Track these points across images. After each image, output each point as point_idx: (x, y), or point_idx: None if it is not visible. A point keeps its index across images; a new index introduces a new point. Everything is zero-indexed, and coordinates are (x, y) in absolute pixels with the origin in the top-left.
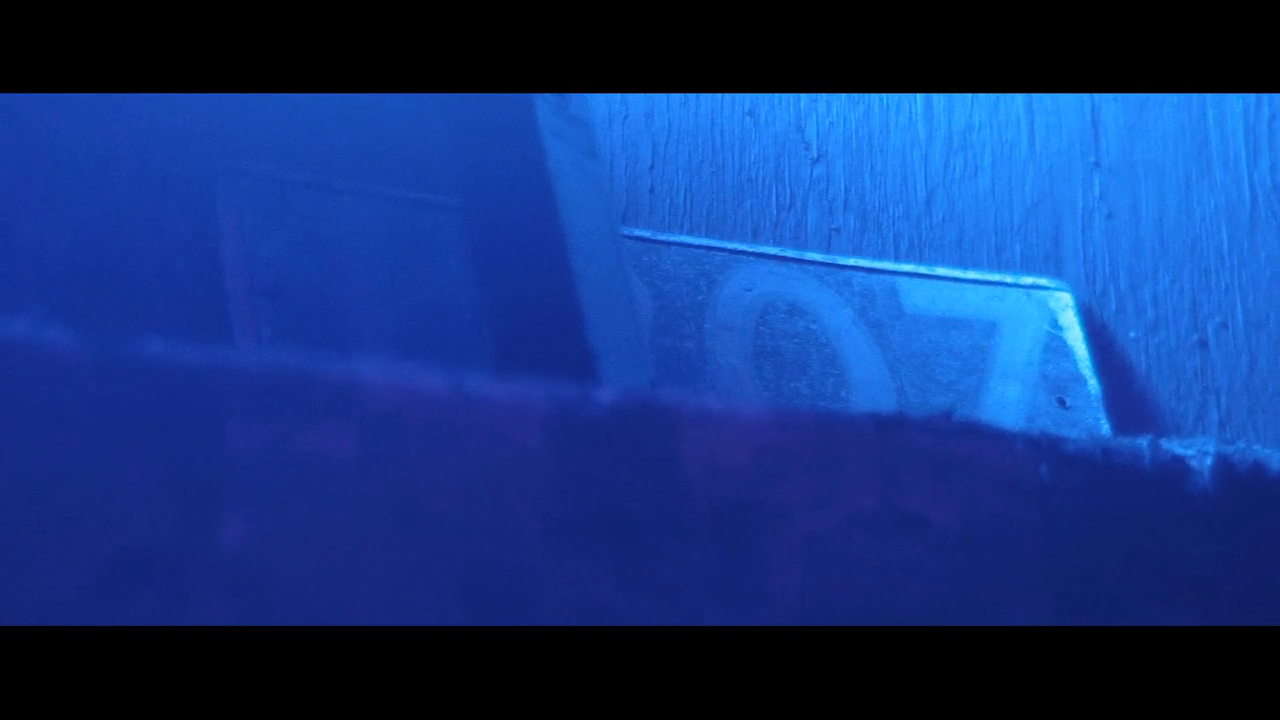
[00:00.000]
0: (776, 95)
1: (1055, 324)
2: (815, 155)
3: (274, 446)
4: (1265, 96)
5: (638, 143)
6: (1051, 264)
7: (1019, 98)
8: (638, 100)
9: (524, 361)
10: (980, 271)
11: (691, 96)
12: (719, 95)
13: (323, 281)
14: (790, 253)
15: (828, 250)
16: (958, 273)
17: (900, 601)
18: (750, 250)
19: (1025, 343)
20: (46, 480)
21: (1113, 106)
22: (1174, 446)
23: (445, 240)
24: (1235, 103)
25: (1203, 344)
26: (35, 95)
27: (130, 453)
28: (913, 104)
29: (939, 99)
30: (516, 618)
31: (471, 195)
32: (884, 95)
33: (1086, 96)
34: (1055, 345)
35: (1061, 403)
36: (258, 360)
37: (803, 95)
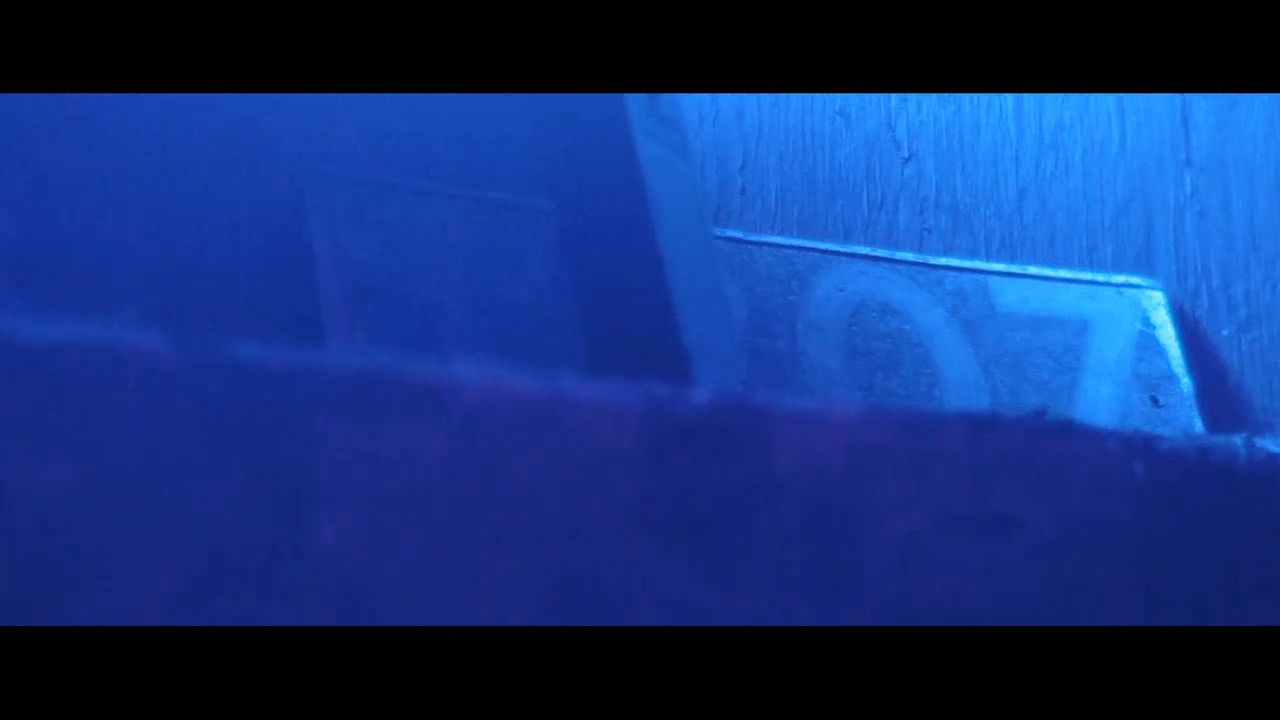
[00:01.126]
0: (867, 95)
1: (1147, 322)
2: (906, 155)
3: (366, 448)
4: None
5: (728, 143)
6: (1143, 262)
7: (1109, 95)
8: (728, 100)
9: (617, 362)
10: (1072, 270)
11: (782, 96)
12: (810, 95)
13: (414, 283)
14: (882, 252)
15: (919, 250)
16: (1050, 271)
17: (992, 601)
18: (842, 250)
19: (1118, 341)
20: (140, 482)
21: (1203, 104)
22: (1269, 444)
23: (537, 241)
24: None
25: None
26: (129, 96)
27: (223, 454)
28: (1003, 103)
29: (1029, 97)
30: (610, 618)
31: (563, 196)
32: (974, 94)
33: (1177, 94)
34: (1148, 343)
35: (1154, 401)
36: (350, 362)
37: (893, 95)
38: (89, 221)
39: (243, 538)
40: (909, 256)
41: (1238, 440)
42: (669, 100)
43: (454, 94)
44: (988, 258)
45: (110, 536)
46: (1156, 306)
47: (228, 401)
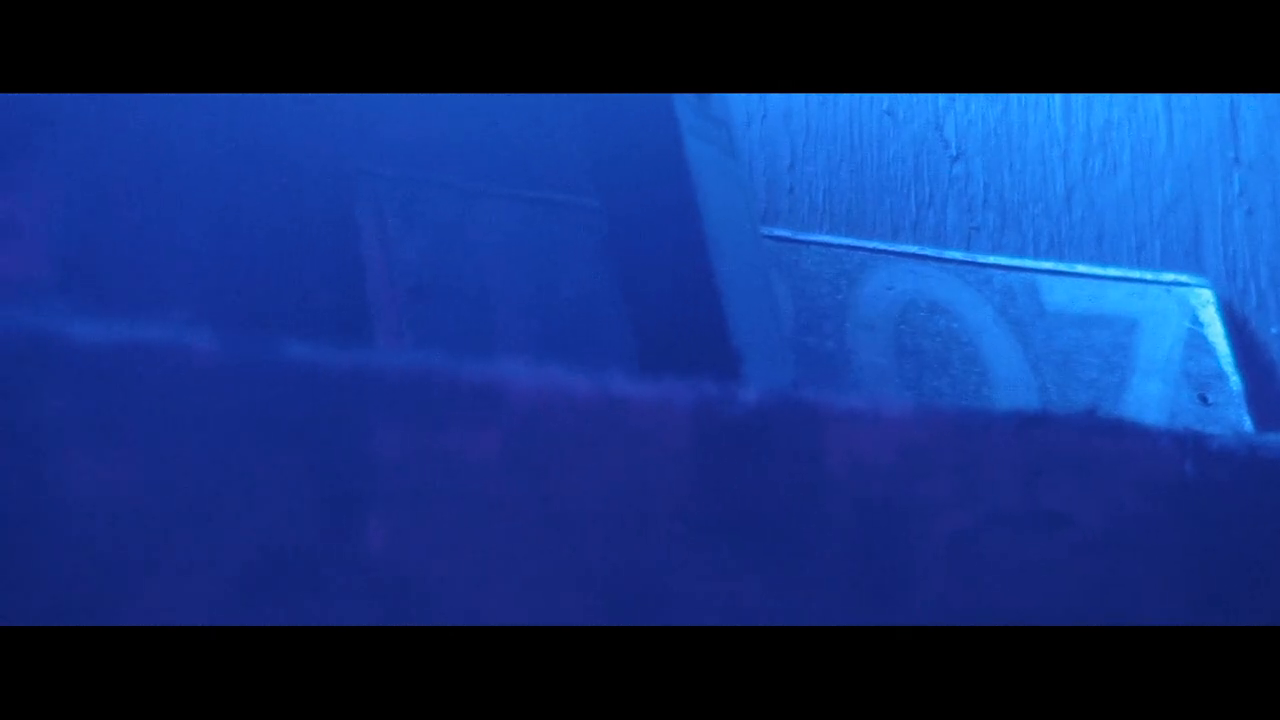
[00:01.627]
0: (915, 94)
1: (1196, 320)
2: (954, 153)
3: (417, 448)
4: None
5: (776, 142)
6: (1191, 260)
7: (1157, 94)
8: (776, 100)
9: (666, 361)
10: (1120, 268)
11: (830, 96)
12: (857, 94)
13: (464, 283)
14: (930, 251)
15: (967, 248)
16: (1098, 270)
17: (1042, 599)
18: (890, 249)
19: (1166, 339)
20: (191, 482)
21: (1251, 103)
22: None
23: (586, 240)
24: None
25: None
26: (178, 97)
27: (274, 455)
28: (1051, 102)
29: (1077, 96)
30: (660, 617)
31: (611, 195)
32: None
33: (1225, 93)
34: (1196, 342)
35: (1203, 399)
36: (401, 362)
37: (941, 94)
38: (139, 223)
39: (294, 538)
40: (957, 255)
41: None
42: (718, 100)
43: (503, 94)
44: (1036, 256)
45: (162, 537)
46: (1205, 304)
47: (279, 401)
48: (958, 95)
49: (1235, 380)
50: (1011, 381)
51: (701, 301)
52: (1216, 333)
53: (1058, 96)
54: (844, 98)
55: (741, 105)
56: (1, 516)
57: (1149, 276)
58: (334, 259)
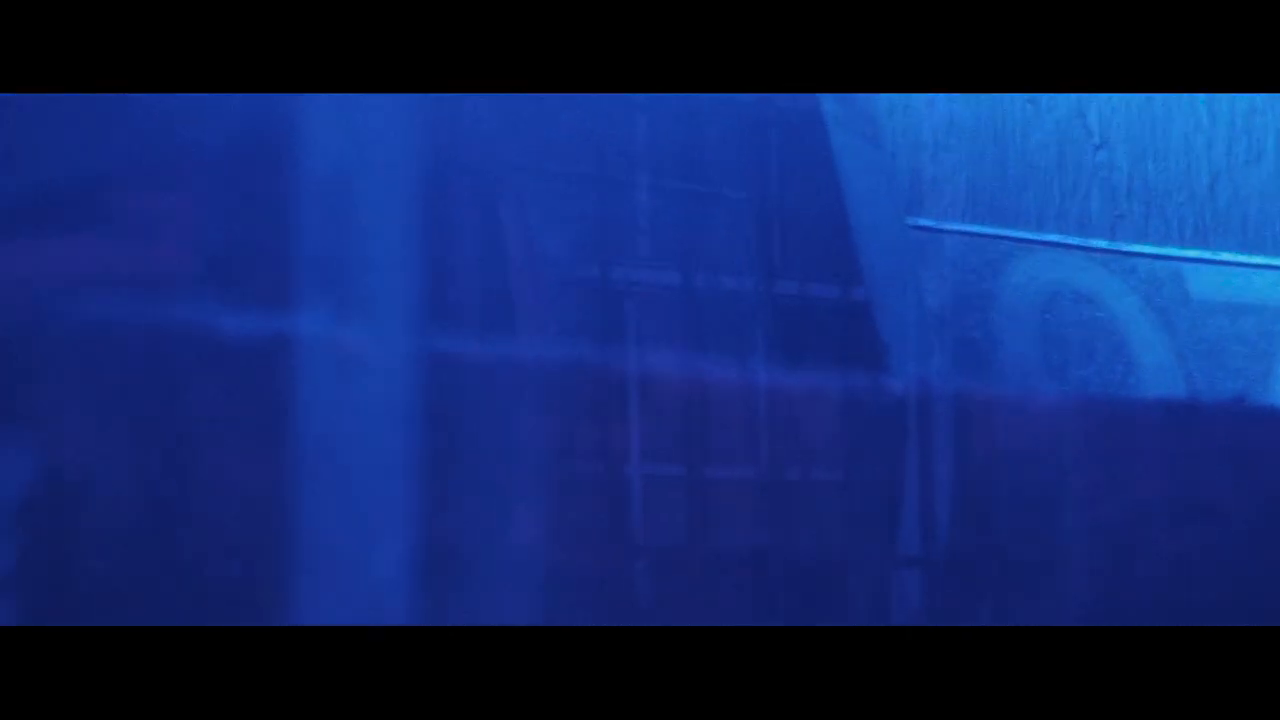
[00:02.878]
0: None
1: None
2: (1098, 142)
3: (563, 438)
4: None
5: (919, 130)
6: None
7: None
8: None
9: (813, 351)
10: (1266, 256)
11: None
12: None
13: (608, 273)
14: (1075, 240)
15: (1112, 237)
16: (1243, 258)
17: (1194, 592)
18: (1035, 238)
19: None
20: (341, 473)
21: None
22: None
23: (732, 230)
24: None
25: None
26: (319, 95)
27: (421, 446)
28: None
29: None
30: (812, 615)
31: (758, 185)
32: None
33: None
34: None
35: None
36: (545, 352)
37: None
38: (285, 218)
39: (444, 530)
40: (1102, 244)
41: None
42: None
43: (653, 94)
44: (1181, 244)
45: (311, 532)
46: None
47: (426, 393)
48: None
49: None
50: (1158, 370)
51: (847, 290)
52: None
53: None
54: None
55: (884, 94)
56: (155, 512)
57: None
58: (478, 251)
